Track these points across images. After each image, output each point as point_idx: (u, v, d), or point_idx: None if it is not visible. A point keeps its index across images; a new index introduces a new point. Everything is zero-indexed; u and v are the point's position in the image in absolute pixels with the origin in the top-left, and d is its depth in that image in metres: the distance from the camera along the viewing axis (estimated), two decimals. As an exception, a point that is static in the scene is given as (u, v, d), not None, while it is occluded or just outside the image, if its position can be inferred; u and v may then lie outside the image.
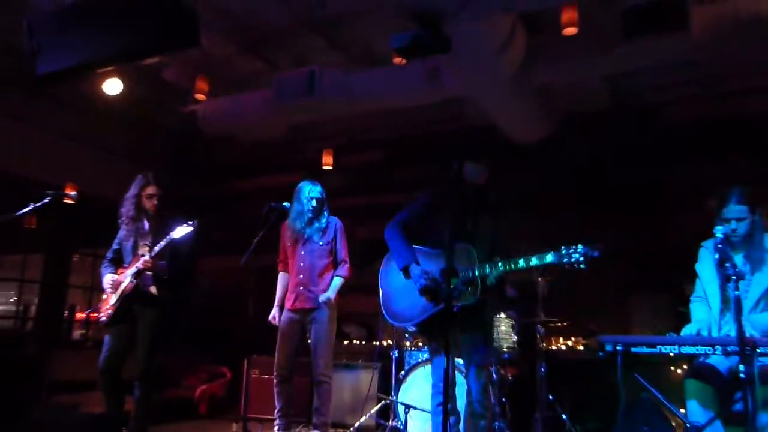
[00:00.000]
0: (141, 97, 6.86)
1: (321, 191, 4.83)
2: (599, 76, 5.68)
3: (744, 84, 5.83)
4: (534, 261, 3.28)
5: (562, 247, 3.20)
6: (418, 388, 5.02)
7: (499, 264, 3.34)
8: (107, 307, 4.43)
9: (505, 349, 5.14)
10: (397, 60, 5.53)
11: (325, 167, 7.37)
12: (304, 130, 7.34)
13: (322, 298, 4.62)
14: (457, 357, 3.84)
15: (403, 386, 5.11)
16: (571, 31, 4.86)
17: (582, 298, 5.82)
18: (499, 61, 5.12)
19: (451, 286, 3.35)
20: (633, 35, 5.24)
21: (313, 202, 4.76)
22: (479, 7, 4.75)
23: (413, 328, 4.05)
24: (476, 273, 3.40)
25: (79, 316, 8.82)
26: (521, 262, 3.30)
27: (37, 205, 4.23)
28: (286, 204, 4.81)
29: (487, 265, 3.38)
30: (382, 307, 3.72)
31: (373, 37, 5.86)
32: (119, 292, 4.38)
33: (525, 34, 5.18)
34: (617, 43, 5.28)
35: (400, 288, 3.65)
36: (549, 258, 3.23)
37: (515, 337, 5.22)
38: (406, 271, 3.59)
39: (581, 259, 3.14)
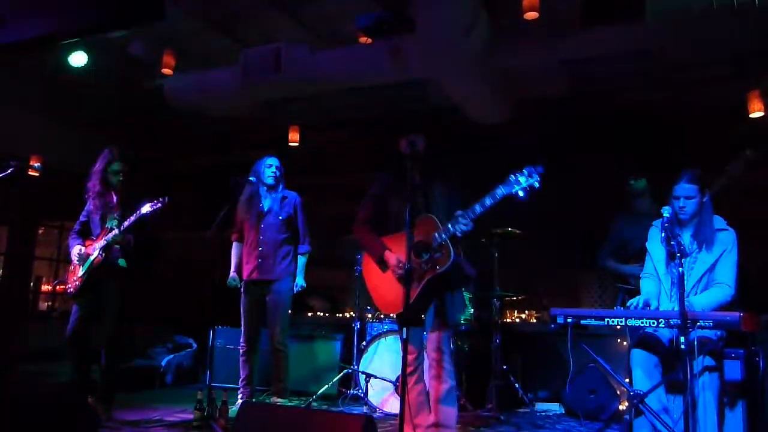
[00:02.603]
0: (107, 70, 6.82)
1: (279, 163, 4.99)
2: (558, 62, 5.83)
3: (696, 73, 6.04)
4: (488, 200, 3.26)
5: (509, 176, 3.22)
6: (378, 358, 5.22)
7: (459, 217, 3.32)
8: (75, 278, 4.50)
9: (462, 322, 5.35)
10: (362, 39, 5.62)
11: (291, 144, 7.44)
12: (270, 107, 7.38)
13: (297, 288, 4.90)
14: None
15: (365, 356, 5.29)
16: (532, 15, 4.95)
17: (535, 274, 6.05)
18: (461, 44, 5.24)
19: (426, 258, 3.42)
20: (590, 22, 5.42)
21: (273, 170, 4.92)
22: (443, -11, 4.87)
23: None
24: (444, 236, 3.37)
25: (46, 288, 8.80)
26: (477, 207, 3.29)
27: (1, 175, 4.28)
28: (252, 179, 4.94)
29: (449, 224, 3.35)
30: (376, 302, 3.72)
31: (338, 16, 5.92)
32: (87, 264, 4.46)
33: (487, 18, 5.30)
34: (576, 30, 5.45)
35: (383, 279, 3.64)
36: (501, 191, 3.23)
37: (472, 310, 5.44)
38: (382, 263, 3.60)
39: (529, 180, 3.16)
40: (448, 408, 3.51)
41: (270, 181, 4.92)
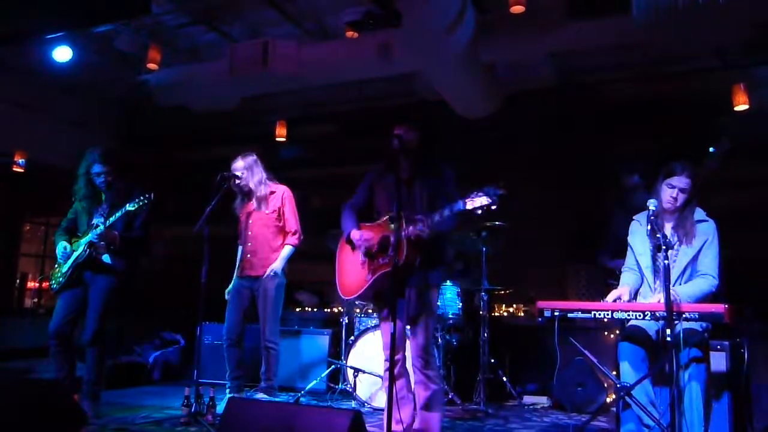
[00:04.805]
0: (93, 65, 6.77)
1: (244, 160, 4.92)
2: (544, 55, 5.84)
3: (680, 66, 6.08)
4: (446, 212, 3.28)
5: (470, 193, 3.18)
6: (366, 353, 5.21)
7: (418, 222, 3.33)
8: (59, 275, 4.48)
9: (450, 316, 5.36)
10: (350, 34, 5.59)
11: (278, 139, 7.41)
12: (257, 102, 7.36)
13: (269, 271, 4.76)
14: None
15: (353, 351, 5.28)
16: (518, 9, 4.95)
17: (523, 268, 6.06)
18: (448, 38, 5.21)
19: (389, 253, 3.41)
20: (577, 15, 5.43)
21: (236, 172, 4.87)
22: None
23: (359, 301, 4.22)
24: (399, 236, 3.33)
25: (31, 284, 8.74)
26: (436, 216, 3.31)
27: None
28: (238, 173, 4.91)
29: (410, 227, 3.36)
30: (338, 284, 3.80)
31: (326, 11, 5.90)
32: (72, 260, 4.43)
33: (474, 12, 5.29)
34: (562, 23, 5.45)
35: (347, 263, 3.76)
36: (460, 206, 3.22)
37: (460, 304, 5.44)
38: (349, 241, 3.68)
39: (488, 200, 3.13)
40: (430, 414, 3.54)
41: (238, 183, 4.90)
